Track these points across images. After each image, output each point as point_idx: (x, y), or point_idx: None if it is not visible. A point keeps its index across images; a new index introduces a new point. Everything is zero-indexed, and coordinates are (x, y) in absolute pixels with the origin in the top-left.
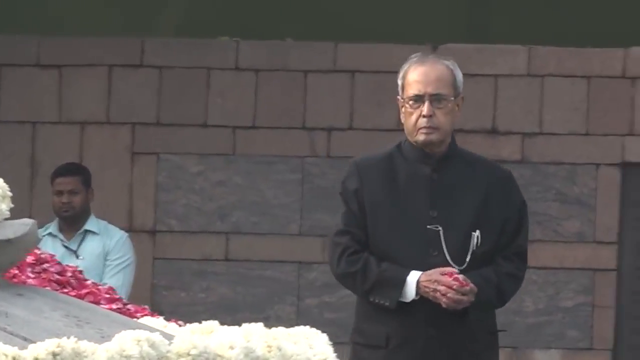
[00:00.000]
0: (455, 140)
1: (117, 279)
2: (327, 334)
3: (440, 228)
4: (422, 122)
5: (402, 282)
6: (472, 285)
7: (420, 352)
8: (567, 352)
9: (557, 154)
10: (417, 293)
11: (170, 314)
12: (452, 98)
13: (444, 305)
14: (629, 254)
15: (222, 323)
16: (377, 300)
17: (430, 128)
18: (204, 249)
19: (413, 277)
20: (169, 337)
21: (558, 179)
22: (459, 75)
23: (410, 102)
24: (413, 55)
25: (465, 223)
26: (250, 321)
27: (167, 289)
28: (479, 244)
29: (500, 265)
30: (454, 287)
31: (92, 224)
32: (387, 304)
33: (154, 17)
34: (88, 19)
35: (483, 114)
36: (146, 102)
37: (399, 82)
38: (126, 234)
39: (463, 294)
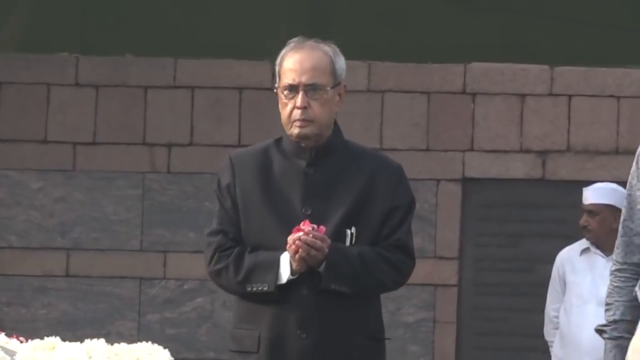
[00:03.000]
0: (341, 131)
1: None
2: (169, 350)
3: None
4: (296, 114)
5: (277, 261)
6: (322, 234)
7: (294, 358)
8: None
9: None
10: (292, 272)
11: (12, 330)
12: (330, 88)
13: (302, 255)
14: (470, 270)
15: (63, 339)
16: (254, 288)
17: (305, 121)
18: (45, 265)
19: (286, 255)
20: (11, 353)
21: None
22: (340, 62)
23: (285, 92)
24: (292, 40)
25: (340, 220)
26: (91, 337)
27: (8, 305)
28: (353, 242)
29: (376, 248)
30: (301, 225)
31: None
32: (265, 288)
33: None
34: None
35: None
36: None
37: (276, 68)
38: None
39: (315, 238)
